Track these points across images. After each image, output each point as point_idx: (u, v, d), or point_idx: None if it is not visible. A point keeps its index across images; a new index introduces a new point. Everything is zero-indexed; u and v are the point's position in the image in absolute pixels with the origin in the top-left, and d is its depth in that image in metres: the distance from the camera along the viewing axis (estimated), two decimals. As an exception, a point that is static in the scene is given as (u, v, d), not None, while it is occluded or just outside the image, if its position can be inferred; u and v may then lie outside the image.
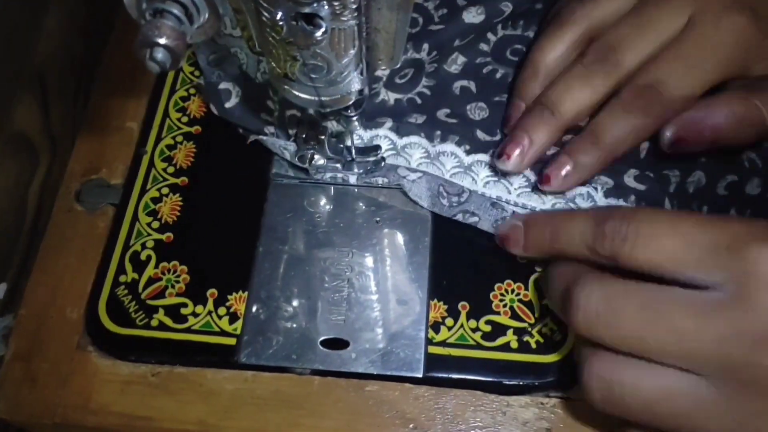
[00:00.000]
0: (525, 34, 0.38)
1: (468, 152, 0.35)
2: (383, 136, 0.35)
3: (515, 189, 0.34)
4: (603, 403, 0.26)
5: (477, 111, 0.36)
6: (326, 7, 0.22)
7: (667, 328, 0.24)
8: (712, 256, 0.24)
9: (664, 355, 0.24)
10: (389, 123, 0.35)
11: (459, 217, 0.34)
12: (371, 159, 0.35)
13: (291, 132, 0.35)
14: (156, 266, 0.34)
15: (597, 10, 0.33)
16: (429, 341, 0.32)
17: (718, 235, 0.24)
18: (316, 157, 0.34)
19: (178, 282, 0.33)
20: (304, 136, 0.33)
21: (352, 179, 0.35)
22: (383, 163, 0.35)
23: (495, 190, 0.34)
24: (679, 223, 0.25)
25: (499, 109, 0.36)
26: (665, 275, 0.25)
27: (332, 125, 0.34)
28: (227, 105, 0.35)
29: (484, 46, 0.38)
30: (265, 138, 0.35)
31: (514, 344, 0.32)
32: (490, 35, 0.38)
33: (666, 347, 0.24)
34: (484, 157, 0.35)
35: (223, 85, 0.36)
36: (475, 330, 0.32)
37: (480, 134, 0.35)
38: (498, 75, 0.37)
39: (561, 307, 0.28)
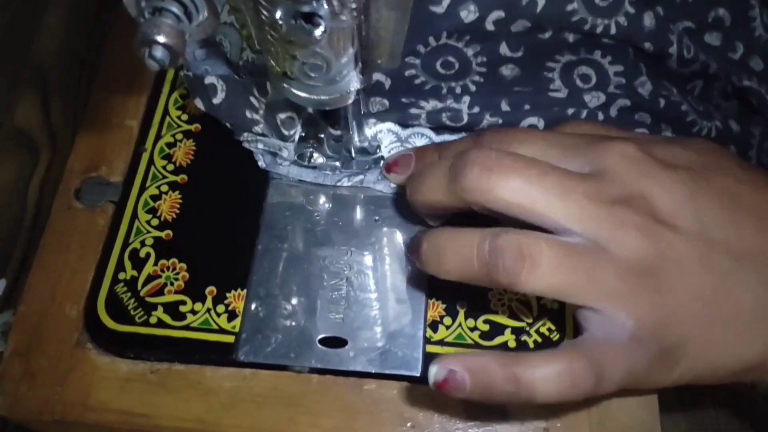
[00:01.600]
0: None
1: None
2: (387, 130, 0.35)
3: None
4: (512, 265, 0.26)
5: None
6: (325, 6, 0.22)
7: (547, 184, 0.26)
8: (571, 150, 0.28)
9: (544, 210, 0.26)
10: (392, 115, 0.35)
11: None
12: (371, 158, 0.35)
13: (288, 132, 0.34)
14: (155, 264, 0.34)
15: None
16: (427, 340, 0.32)
17: (575, 138, 0.29)
18: (315, 155, 0.34)
19: (177, 279, 0.33)
20: (303, 134, 0.33)
21: (346, 182, 0.35)
22: (383, 162, 0.35)
23: None
24: (546, 132, 0.30)
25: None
26: None
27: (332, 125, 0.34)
28: (214, 101, 0.35)
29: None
30: (259, 139, 0.35)
31: (512, 343, 0.32)
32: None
33: (547, 202, 0.26)
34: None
35: (208, 80, 0.34)
36: (473, 329, 0.32)
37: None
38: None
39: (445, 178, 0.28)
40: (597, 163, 0.27)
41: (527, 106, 0.34)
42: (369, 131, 0.35)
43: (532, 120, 0.34)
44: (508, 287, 0.26)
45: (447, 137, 0.35)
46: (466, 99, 0.34)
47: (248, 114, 0.35)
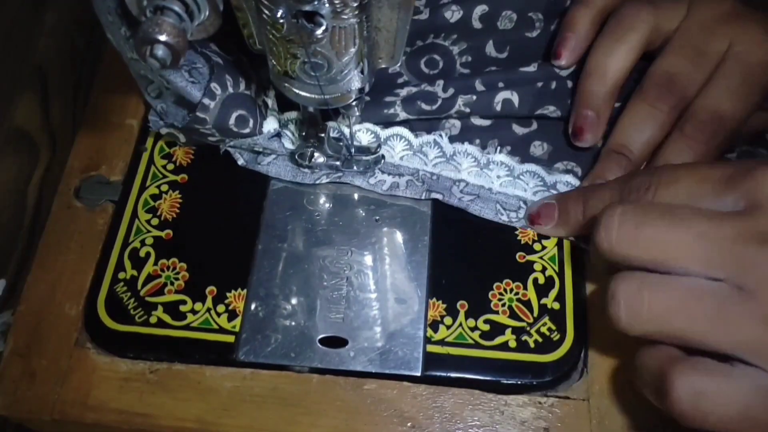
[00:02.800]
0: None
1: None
2: (366, 130, 0.35)
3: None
4: (628, 318, 0.26)
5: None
6: (327, 5, 0.22)
7: (686, 231, 0.26)
8: (722, 184, 0.27)
9: (684, 259, 0.26)
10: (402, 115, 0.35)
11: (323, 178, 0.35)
12: (371, 157, 0.35)
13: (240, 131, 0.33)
14: (155, 263, 0.34)
15: (657, 17, 0.34)
16: (427, 340, 0.32)
17: (726, 169, 0.27)
18: (316, 155, 0.34)
19: (177, 279, 0.33)
20: (304, 134, 0.33)
21: (324, 179, 0.35)
22: (382, 162, 0.35)
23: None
24: (695, 167, 0.28)
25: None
26: None
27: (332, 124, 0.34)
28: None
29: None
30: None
31: (513, 343, 0.32)
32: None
33: (686, 250, 0.25)
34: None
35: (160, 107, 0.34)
36: (473, 329, 0.32)
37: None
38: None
39: (594, 235, 0.28)
40: (752, 194, 0.26)
41: (501, 84, 0.35)
42: (382, 132, 0.35)
43: (506, 94, 0.34)
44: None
45: (426, 138, 0.35)
46: (440, 82, 0.34)
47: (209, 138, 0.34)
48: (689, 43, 0.33)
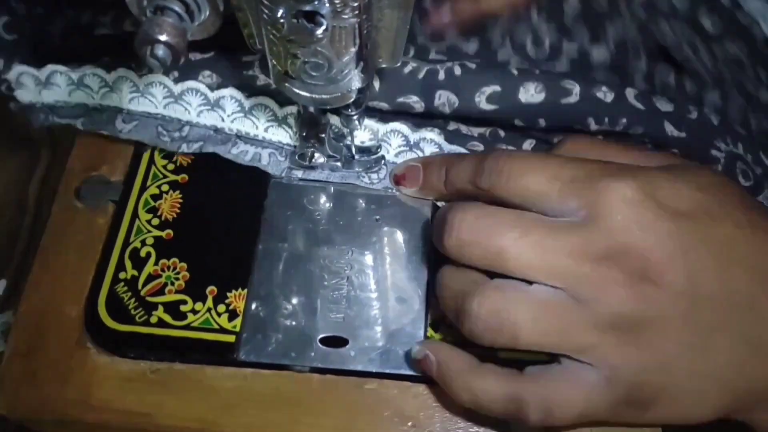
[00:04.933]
0: None
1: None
2: (395, 131, 0.35)
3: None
4: (490, 333, 0.27)
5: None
6: (327, 4, 0.22)
7: (531, 243, 0.27)
8: (570, 187, 0.27)
9: (528, 269, 0.27)
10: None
11: (183, 147, 0.35)
12: (372, 157, 0.35)
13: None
14: (156, 263, 0.34)
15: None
16: (428, 340, 0.32)
17: (577, 170, 0.28)
18: (316, 155, 0.34)
19: (177, 279, 0.33)
20: (304, 134, 0.33)
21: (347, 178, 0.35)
22: (384, 161, 0.35)
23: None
24: (547, 161, 0.28)
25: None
26: (533, 207, 0.28)
27: (334, 123, 0.34)
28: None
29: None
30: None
31: (513, 343, 0.32)
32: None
33: (530, 261, 0.27)
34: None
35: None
36: (474, 328, 0.32)
37: None
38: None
39: (436, 233, 0.29)
40: (593, 207, 0.27)
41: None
42: (382, 128, 0.35)
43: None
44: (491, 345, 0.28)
45: (457, 148, 0.35)
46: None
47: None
48: None
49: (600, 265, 0.26)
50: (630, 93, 0.34)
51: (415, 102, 0.34)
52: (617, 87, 0.34)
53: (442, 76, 0.33)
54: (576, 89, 0.33)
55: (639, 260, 0.26)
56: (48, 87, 0.36)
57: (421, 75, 0.34)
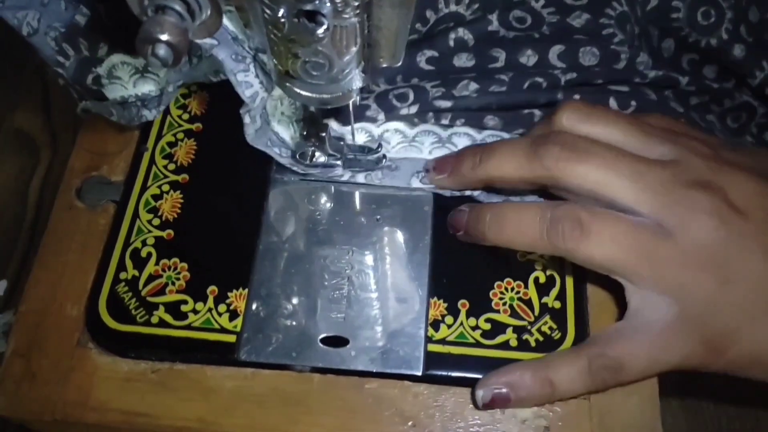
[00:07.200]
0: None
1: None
2: (394, 130, 0.35)
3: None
4: (570, 235, 0.28)
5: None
6: (328, 4, 0.22)
7: (625, 165, 0.28)
8: (654, 137, 0.29)
9: (620, 192, 0.28)
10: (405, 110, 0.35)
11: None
12: (373, 157, 0.35)
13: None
14: (156, 263, 0.34)
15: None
16: (428, 339, 0.32)
17: (657, 128, 0.29)
18: (317, 154, 0.34)
19: (178, 279, 0.33)
20: (305, 133, 0.33)
21: (347, 177, 0.35)
22: (384, 161, 0.35)
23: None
24: (627, 117, 0.30)
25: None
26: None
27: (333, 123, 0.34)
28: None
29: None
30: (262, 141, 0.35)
31: (514, 342, 0.32)
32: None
33: (622, 183, 0.27)
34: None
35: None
36: (474, 328, 0.32)
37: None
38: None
39: (531, 152, 0.29)
40: (675, 153, 0.28)
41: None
42: (376, 130, 0.35)
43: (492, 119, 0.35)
44: (566, 253, 0.28)
45: (458, 129, 0.35)
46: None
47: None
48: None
49: (690, 191, 0.26)
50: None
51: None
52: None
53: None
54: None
55: (726, 193, 0.27)
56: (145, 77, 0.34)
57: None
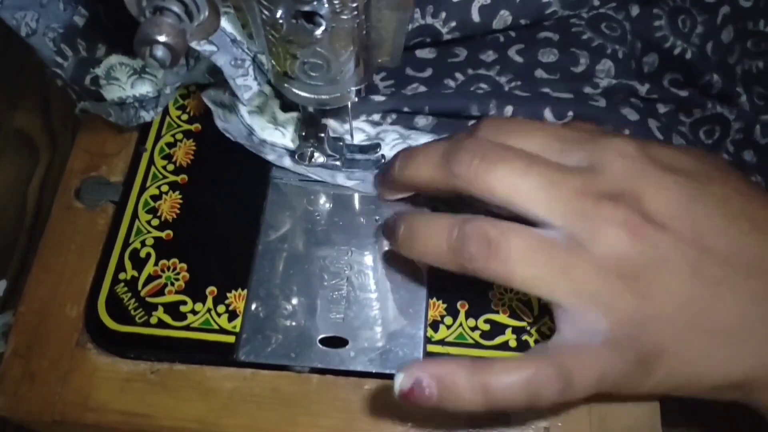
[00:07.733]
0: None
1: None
2: (390, 129, 0.35)
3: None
4: (481, 256, 0.26)
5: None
6: (326, 5, 0.22)
7: (535, 175, 0.26)
8: (572, 142, 0.27)
9: (530, 203, 0.26)
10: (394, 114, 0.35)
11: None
12: (372, 157, 0.35)
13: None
14: (155, 264, 0.34)
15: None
16: (428, 340, 0.32)
17: (577, 132, 0.28)
18: (316, 154, 0.34)
19: (177, 280, 0.33)
20: (303, 133, 0.33)
21: (341, 179, 0.35)
22: (383, 161, 0.35)
23: None
24: (543, 124, 0.30)
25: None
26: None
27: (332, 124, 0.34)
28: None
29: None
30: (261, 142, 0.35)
31: (513, 343, 0.32)
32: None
33: (531, 193, 0.26)
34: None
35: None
36: (474, 329, 0.32)
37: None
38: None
39: (444, 161, 0.28)
40: (594, 157, 0.27)
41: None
42: (372, 130, 0.35)
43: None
44: (474, 273, 0.26)
45: (387, 127, 0.35)
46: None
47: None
48: None
49: (601, 203, 0.25)
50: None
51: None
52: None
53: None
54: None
55: (642, 204, 0.25)
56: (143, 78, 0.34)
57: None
